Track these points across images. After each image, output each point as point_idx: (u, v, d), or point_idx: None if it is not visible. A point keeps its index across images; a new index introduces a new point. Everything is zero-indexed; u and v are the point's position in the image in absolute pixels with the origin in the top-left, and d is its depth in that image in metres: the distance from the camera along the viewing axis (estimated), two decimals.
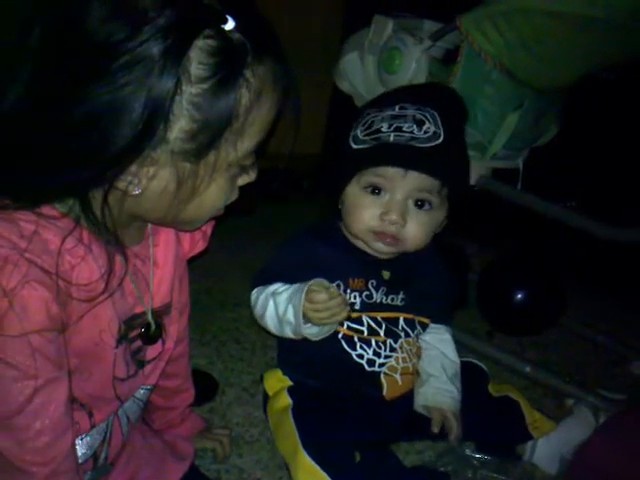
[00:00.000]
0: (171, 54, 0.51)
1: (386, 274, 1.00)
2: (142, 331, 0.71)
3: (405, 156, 0.92)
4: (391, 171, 0.93)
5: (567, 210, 1.29)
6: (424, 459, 1.01)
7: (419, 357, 1.03)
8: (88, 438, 0.70)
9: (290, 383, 1.01)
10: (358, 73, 1.37)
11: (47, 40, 0.53)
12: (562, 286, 1.48)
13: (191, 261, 0.82)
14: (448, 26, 1.22)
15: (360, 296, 0.98)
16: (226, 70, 0.54)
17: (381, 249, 0.97)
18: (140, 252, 0.70)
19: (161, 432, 0.88)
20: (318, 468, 0.84)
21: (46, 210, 0.57)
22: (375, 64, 1.32)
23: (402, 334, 1.00)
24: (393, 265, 1.00)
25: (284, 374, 1.02)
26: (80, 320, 0.60)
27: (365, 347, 0.97)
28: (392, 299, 1.00)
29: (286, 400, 0.97)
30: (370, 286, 0.98)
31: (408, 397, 1.01)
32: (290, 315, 0.89)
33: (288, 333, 0.92)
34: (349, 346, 0.97)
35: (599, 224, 1.20)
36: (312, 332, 0.90)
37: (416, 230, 0.95)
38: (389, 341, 0.98)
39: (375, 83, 1.32)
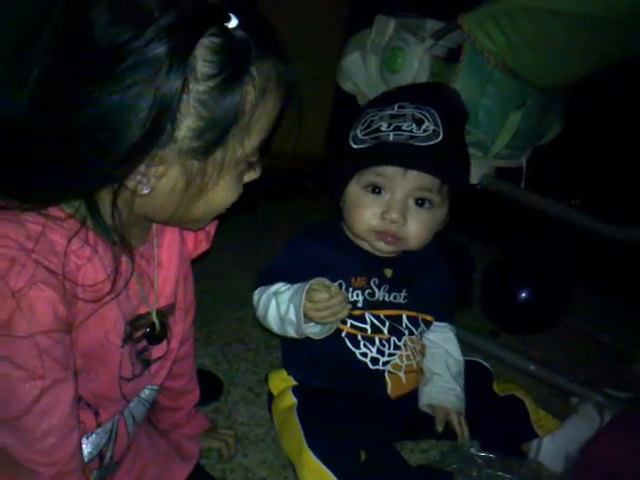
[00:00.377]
0: (177, 53, 0.52)
1: (388, 272, 1.00)
2: (147, 331, 0.71)
3: (404, 155, 0.92)
4: (391, 170, 0.93)
5: (571, 209, 1.29)
6: (429, 458, 1.01)
7: (423, 355, 1.03)
8: (94, 437, 0.70)
9: (294, 383, 1.01)
10: (361, 73, 1.37)
11: (54, 45, 0.54)
12: (566, 285, 1.48)
13: (195, 261, 0.82)
14: (450, 25, 1.22)
15: (363, 294, 0.98)
16: (231, 67, 0.55)
17: (383, 248, 0.97)
18: (145, 252, 0.70)
19: (167, 432, 0.89)
20: (323, 467, 0.84)
21: (52, 211, 0.58)
22: (377, 64, 1.32)
23: (406, 332, 1.00)
24: (395, 263, 1.00)
25: (289, 374, 1.02)
26: (86, 321, 0.61)
27: (369, 345, 0.97)
28: (395, 297, 1.00)
29: (291, 400, 0.97)
30: (372, 284, 0.99)
31: (413, 396, 1.01)
32: (292, 315, 0.89)
33: (290, 333, 0.92)
34: (353, 344, 0.97)
35: (603, 223, 1.20)
36: (314, 331, 0.90)
37: (417, 228, 0.95)
38: (393, 339, 0.98)
39: (378, 82, 1.32)
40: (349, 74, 1.40)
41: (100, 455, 0.71)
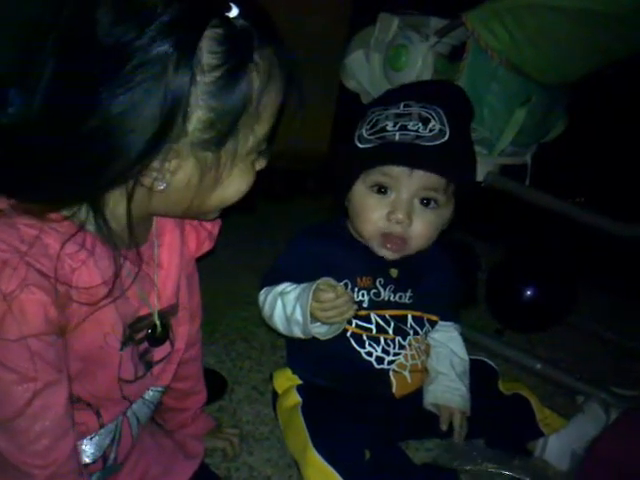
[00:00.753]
0: (183, 48, 0.52)
1: (394, 272, 1.00)
2: (148, 332, 0.71)
3: (411, 155, 0.92)
4: (397, 170, 0.92)
5: (576, 206, 1.29)
6: (433, 457, 1.00)
7: (428, 354, 1.03)
8: (97, 438, 0.70)
9: (299, 382, 1.01)
10: (364, 71, 1.37)
11: (60, 48, 0.54)
12: (571, 283, 1.48)
13: (197, 261, 0.82)
14: (454, 22, 1.22)
15: (368, 294, 0.97)
16: (236, 56, 0.55)
17: (387, 255, 0.96)
18: (145, 253, 0.69)
19: (171, 432, 0.89)
20: (328, 466, 0.84)
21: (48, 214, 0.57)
22: (381, 62, 1.31)
23: (411, 332, 1.00)
24: (401, 263, 1.00)
25: (293, 373, 1.02)
26: (83, 324, 0.60)
27: (374, 345, 0.97)
28: (400, 297, 1.00)
29: (295, 398, 0.97)
30: (378, 284, 0.98)
31: (417, 395, 1.01)
32: (298, 315, 0.89)
33: (297, 333, 0.92)
34: (358, 344, 0.97)
35: (608, 220, 1.20)
36: (320, 331, 0.90)
37: (422, 228, 0.95)
38: (398, 339, 0.98)
39: (381, 81, 1.31)
40: (353, 72, 1.40)
41: (104, 456, 0.71)
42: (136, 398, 0.73)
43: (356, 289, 0.97)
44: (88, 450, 0.69)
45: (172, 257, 0.73)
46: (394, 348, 0.98)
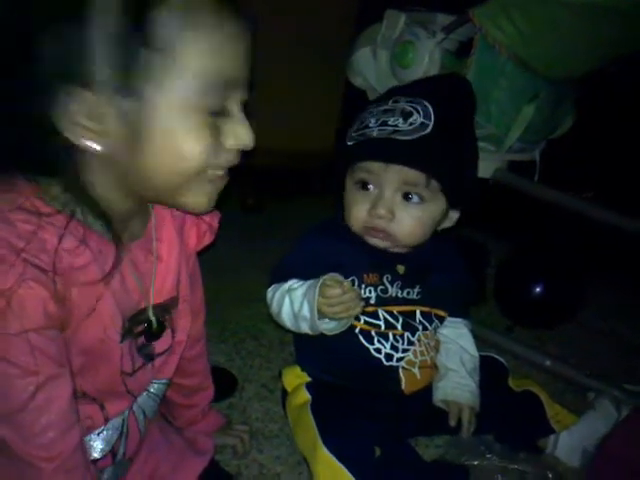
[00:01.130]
0: None
1: (401, 268, 1.00)
2: (145, 327, 0.70)
3: (384, 150, 0.92)
4: (375, 166, 0.93)
5: (585, 202, 1.28)
6: (443, 453, 1.00)
7: (437, 351, 1.03)
8: (104, 433, 0.70)
9: (308, 379, 1.01)
10: (371, 68, 1.36)
11: None
12: (581, 279, 1.47)
13: (200, 254, 0.82)
14: (461, 18, 1.21)
15: (375, 291, 0.97)
16: None
17: (378, 244, 0.97)
18: (143, 246, 0.69)
19: (181, 429, 0.89)
20: (338, 463, 0.84)
21: (41, 208, 0.57)
22: (388, 58, 1.31)
23: (419, 327, 0.99)
24: (408, 259, 1.00)
25: (302, 370, 1.02)
26: (83, 318, 0.61)
27: (383, 341, 0.97)
28: (408, 293, 0.99)
29: (305, 396, 0.97)
30: (385, 280, 0.98)
31: (427, 391, 1.01)
32: (306, 311, 0.89)
33: (305, 329, 0.92)
34: (367, 340, 0.97)
35: (617, 215, 1.19)
36: (328, 327, 0.90)
37: (407, 224, 0.94)
38: (407, 334, 0.98)
39: (388, 77, 1.31)
40: (359, 69, 1.40)
41: (112, 451, 0.71)
42: (140, 392, 0.74)
43: (363, 285, 0.97)
44: (97, 446, 0.70)
45: (172, 249, 0.73)
46: (403, 344, 0.98)
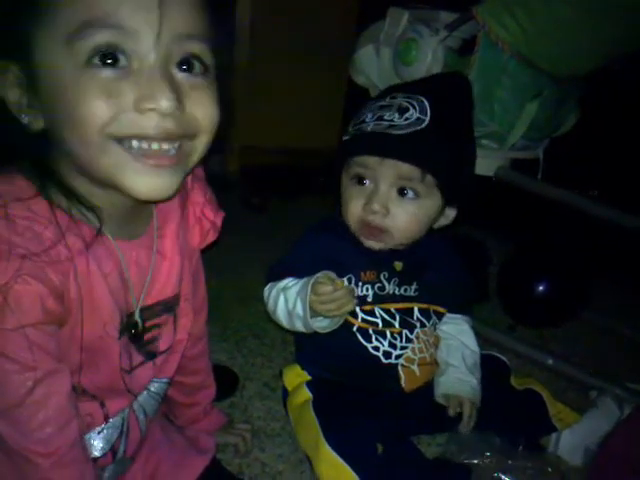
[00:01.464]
0: None
1: (398, 265, 1.00)
2: (131, 332, 0.69)
3: (379, 143, 0.92)
4: (370, 160, 0.93)
5: (589, 200, 1.28)
6: (445, 451, 1.00)
7: (437, 347, 1.03)
8: (105, 432, 0.70)
9: (309, 377, 1.01)
10: (374, 66, 1.36)
11: None
12: (584, 277, 1.47)
13: (202, 252, 0.82)
14: (464, 16, 1.21)
15: (372, 288, 0.97)
16: None
17: (373, 246, 0.97)
18: (144, 244, 0.69)
19: (183, 428, 0.89)
20: (340, 460, 0.84)
21: (33, 204, 0.57)
22: (391, 56, 1.31)
23: (417, 324, 0.99)
24: (405, 256, 1.00)
25: (303, 369, 1.02)
26: (82, 315, 0.61)
27: (380, 339, 0.97)
28: (405, 290, 0.99)
29: (306, 394, 0.97)
30: (382, 278, 0.98)
31: (428, 389, 1.01)
32: (299, 309, 0.89)
33: (299, 327, 0.92)
34: (364, 339, 0.97)
35: (622, 214, 1.19)
36: (321, 325, 0.90)
37: (401, 219, 0.94)
38: (405, 332, 0.98)
39: (391, 75, 1.31)
40: (362, 67, 1.40)
41: (113, 450, 0.71)
42: (140, 390, 0.74)
43: (360, 283, 0.97)
44: (97, 444, 0.70)
45: (175, 247, 0.72)
46: (401, 342, 0.97)
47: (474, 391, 0.99)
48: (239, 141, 2.20)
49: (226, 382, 1.08)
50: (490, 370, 1.05)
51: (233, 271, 1.51)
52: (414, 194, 0.94)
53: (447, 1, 1.34)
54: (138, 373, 0.71)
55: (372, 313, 0.97)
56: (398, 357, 0.97)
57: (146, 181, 0.58)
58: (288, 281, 0.94)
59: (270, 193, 2.08)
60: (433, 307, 1.02)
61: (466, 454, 0.91)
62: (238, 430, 0.96)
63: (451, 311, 1.06)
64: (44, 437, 0.59)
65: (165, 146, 0.57)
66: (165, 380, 0.78)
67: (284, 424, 1.02)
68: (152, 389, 0.76)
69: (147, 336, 0.71)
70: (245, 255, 1.60)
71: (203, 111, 0.59)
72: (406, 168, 0.92)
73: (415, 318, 1.00)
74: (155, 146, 0.57)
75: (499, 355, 1.12)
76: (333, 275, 0.88)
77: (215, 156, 0.66)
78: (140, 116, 0.55)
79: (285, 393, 1.03)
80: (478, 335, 1.08)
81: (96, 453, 0.70)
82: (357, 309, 0.95)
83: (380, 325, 0.97)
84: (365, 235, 0.96)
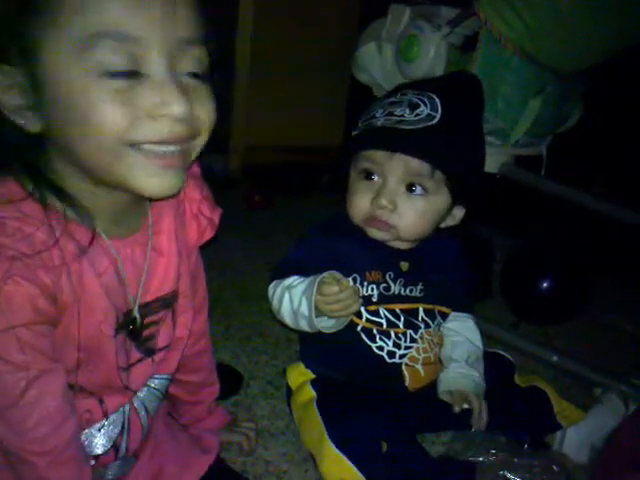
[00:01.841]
0: None
1: (404, 266, 0.99)
2: (129, 328, 0.69)
3: (389, 138, 0.92)
4: (379, 155, 0.93)
5: (592, 196, 1.27)
6: (448, 449, 1.00)
7: (441, 346, 1.03)
8: (105, 429, 0.70)
9: (312, 376, 1.00)
10: (376, 63, 1.36)
11: None
12: (587, 274, 1.46)
13: (203, 250, 0.82)
14: (466, 12, 1.21)
15: (377, 288, 0.97)
16: None
17: (377, 235, 0.96)
18: (140, 241, 0.69)
19: (187, 426, 0.89)
20: (345, 459, 0.84)
21: (24, 206, 0.57)
22: (393, 53, 1.30)
23: (422, 325, 0.99)
24: (411, 256, 0.99)
25: (307, 367, 1.02)
26: (78, 315, 0.61)
27: (384, 339, 0.96)
28: (411, 290, 0.99)
29: (310, 393, 0.97)
30: (388, 278, 0.98)
31: (432, 388, 1.00)
32: (304, 308, 0.89)
33: (303, 326, 0.92)
34: (369, 338, 0.96)
35: (624, 209, 1.18)
36: (326, 325, 0.90)
37: (409, 216, 0.94)
38: (409, 332, 0.98)
39: (393, 72, 1.31)
40: (364, 65, 1.39)
41: (114, 447, 0.71)
42: (138, 387, 0.73)
43: (365, 283, 0.96)
44: (98, 442, 0.70)
45: (171, 244, 0.72)
46: (405, 342, 0.97)
47: (477, 385, 0.99)
48: (243, 140, 2.21)
49: (230, 381, 1.08)
50: (494, 368, 1.04)
51: (237, 269, 1.51)
52: (423, 190, 0.93)
53: None
54: (136, 370, 0.71)
55: (377, 313, 0.97)
56: (402, 357, 0.97)
57: (158, 181, 0.59)
58: (293, 279, 0.93)
59: (274, 191, 2.08)
60: (438, 308, 1.02)
61: (471, 452, 0.91)
62: (242, 428, 0.96)
63: (456, 310, 1.05)
64: (39, 436, 0.59)
65: (172, 147, 0.59)
66: (166, 376, 0.78)
67: (288, 422, 1.02)
68: (153, 385, 0.76)
69: (145, 333, 0.71)
70: (249, 253, 1.60)
71: (206, 111, 0.60)
72: (415, 163, 0.91)
73: (420, 319, 0.99)
74: (165, 148, 0.58)
75: (503, 353, 1.11)
76: (339, 275, 0.87)
77: (219, 155, 0.66)
78: (154, 122, 0.56)
79: (289, 391, 1.03)
80: (482, 332, 1.08)
81: (98, 451, 0.70)
82: (362, 309, 0.95)
83: (384, 325, 0.97)
84: (370, 225, 0.96)
